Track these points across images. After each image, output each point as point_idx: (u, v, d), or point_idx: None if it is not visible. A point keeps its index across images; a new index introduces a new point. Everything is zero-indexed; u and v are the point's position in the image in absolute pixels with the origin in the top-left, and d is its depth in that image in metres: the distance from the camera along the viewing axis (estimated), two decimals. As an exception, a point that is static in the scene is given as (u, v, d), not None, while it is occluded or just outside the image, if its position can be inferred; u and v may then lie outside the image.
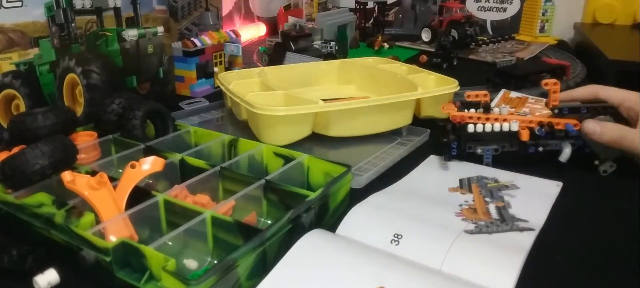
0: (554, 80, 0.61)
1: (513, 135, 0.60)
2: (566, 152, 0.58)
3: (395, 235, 0.44)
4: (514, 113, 0.62)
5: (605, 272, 0.42)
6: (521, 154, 0.60)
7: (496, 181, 0.57)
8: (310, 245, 0.41)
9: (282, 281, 0.38)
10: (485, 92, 0.62)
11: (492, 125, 0.60)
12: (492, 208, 0.51)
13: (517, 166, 0.59)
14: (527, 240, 0.44)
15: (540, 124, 0.60)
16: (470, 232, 0.45)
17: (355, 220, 0.47)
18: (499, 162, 0.60)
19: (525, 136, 0.59)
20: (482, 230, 0.46)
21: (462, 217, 0.48)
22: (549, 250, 0.44)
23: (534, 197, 0.53)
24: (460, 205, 0.51)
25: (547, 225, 0.47)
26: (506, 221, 0.48)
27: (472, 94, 0.61)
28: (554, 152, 0.59)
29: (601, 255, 0.44)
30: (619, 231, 0.48)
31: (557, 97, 0.60)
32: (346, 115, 0.65)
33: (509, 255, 0.41)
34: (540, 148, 0.59)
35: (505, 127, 0.60)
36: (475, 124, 0.60)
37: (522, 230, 0.46)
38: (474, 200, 0.52)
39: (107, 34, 0.72)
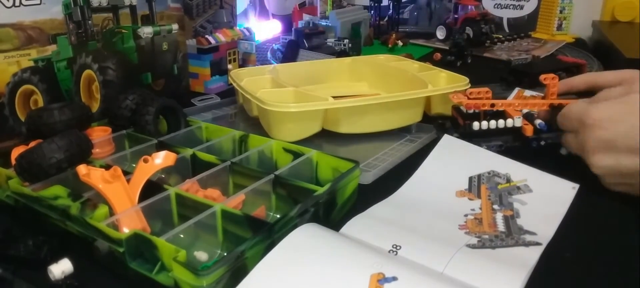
0: (552, 75, 0.61)
1: (516, 131, 0.60)
2: None
3: (394, 246, 0.42)
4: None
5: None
6: (525, 149, 0.60)
7: (508, 180, 0.55)
8: (303, 237, 0.40)
9: (272, 269, 0.37)
10: (487, 89, 0.62)
11: (497, 122, 0.61)
12: (499, 218, 0.49)
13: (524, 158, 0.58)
14: (532, 256, 0.42)
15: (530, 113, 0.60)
16: (473, 246, 0.43)
17: (354, 231, 0.45)
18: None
19: (529, 131, 0.59)
20: (485, 244, 0.44)
21: (465, 230, 0.46)
22: (557, 264, 0.42)
23: (546, 204, 0.51)
24: (466, 216, 0.49)
25: (557, 237, 0.45)
26: (512, 234, 0.46)
27: (474, 91, 0.62)
28: (556, 145, 0.59)
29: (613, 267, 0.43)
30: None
31: (555, 91, 0.60)
32: (356, 112, 0.65)
33: (511, 271, 0.40)
34: (543, 142, 0.59)
35: (509, 122, 0.60)
36: (480, 122, 0.61)
37: (528, 244, 0.44)
38: (480, 208, 0.51)
39: (123, 31, 0.73)
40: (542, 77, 0.61)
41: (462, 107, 0.64)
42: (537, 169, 0.55)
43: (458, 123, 0.64)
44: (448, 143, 0.61)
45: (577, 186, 0.52)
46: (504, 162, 0.57)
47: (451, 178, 0.56)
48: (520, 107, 0.62)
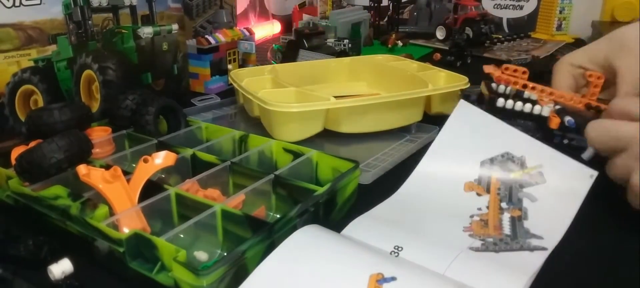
0: (598, 74, 0.56)
1: (542, 120, 0.57)
2: (590, 150, 0.52)
3: (396, 247, 0.42)
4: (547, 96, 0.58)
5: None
6: (545, 141, 0.55)
7: (523, 165, 0.52)
8: (304, 239, 0.40)
9: (272, 271, 0.37)
10: (524, 69, 0.58)
11: (523, 104, 0.57)
12: (505, 219, 0.48)
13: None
14: (536, 261, 0.41)
15: (587, 106, 0.56)
16: (476, 249, 0.43)
17: (356, 232, 0.45)
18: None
19: (554, 124, 0.56)
20: (488, 248, 0.44)
21: (469, 232, 0.46)
22: (561, 269, 0.42)
23: (559, 198, 0.49)
24: (471, 216, 0.49)
25: (564, 240, 0.44)
26: (518, 238, 0.45)
27: (510, 68, 0.58)
28: (579, 148, 0.54)
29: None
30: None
31: (597, 92, 0.55)
32: (357, 111, 0.65)
33: (513, 276, 0.39)
34: (566, 141, 0.55)
35: (537, 109, 0.57)
36: (506, 100, 0.57)
37: (533, 249, 0.43)
38: (487, 207, 0.50)
39: (123, 31, 0.73)
40: (587, 73, 0.57)
41: (492, 82, 0.60)
42: (555, 150, 0.52)
43: (483, 98, 0.61)
44: (465, 111, 0.56)
45: (595, 174, 0.49)
46: (520, 141, 0.54)
47: (462, 161, 0.54)
48: (554, 98, 0.57)
